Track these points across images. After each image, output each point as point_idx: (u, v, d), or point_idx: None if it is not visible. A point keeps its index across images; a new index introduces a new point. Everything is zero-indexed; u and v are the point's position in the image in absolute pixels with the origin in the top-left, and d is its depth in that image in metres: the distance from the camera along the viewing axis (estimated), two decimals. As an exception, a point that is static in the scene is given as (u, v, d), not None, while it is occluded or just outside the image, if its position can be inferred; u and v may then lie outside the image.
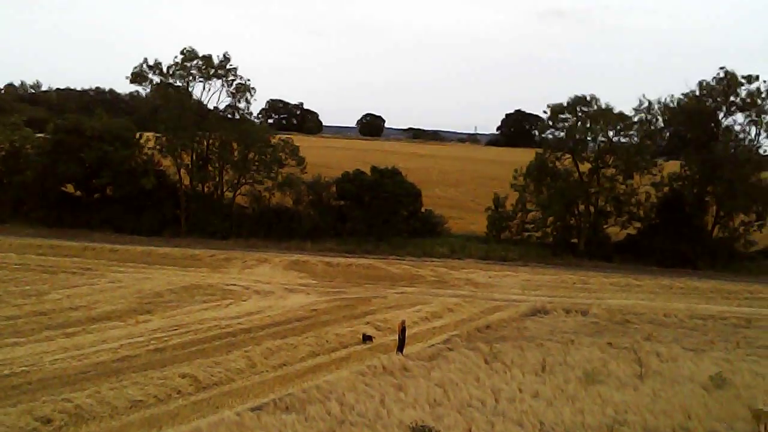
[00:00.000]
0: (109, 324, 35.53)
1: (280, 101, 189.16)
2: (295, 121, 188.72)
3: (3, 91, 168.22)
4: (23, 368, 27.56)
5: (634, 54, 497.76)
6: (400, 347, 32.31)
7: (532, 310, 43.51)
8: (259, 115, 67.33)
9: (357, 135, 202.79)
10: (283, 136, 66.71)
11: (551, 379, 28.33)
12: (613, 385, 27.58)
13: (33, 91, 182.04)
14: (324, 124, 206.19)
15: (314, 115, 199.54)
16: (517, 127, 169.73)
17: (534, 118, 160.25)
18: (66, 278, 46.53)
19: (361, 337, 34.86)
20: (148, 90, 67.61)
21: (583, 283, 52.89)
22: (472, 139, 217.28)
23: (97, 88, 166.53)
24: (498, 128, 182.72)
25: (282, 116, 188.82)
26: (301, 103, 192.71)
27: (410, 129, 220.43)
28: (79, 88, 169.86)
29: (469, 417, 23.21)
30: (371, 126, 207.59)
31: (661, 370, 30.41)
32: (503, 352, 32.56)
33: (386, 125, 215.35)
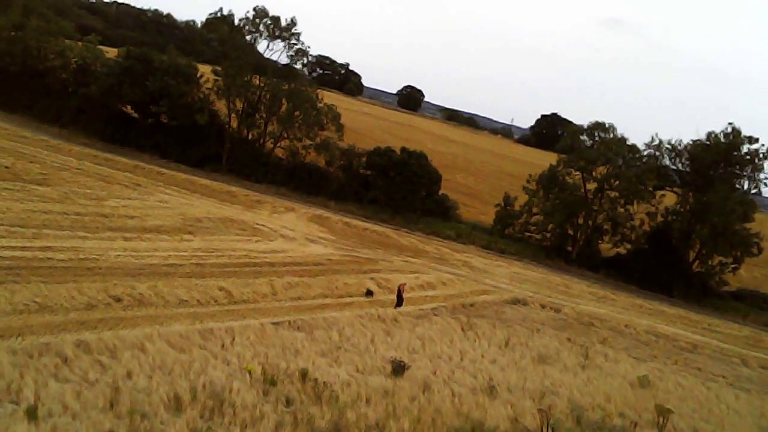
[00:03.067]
0: (158, 236, 41.91)
1: (328, 58, 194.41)
2: (337, 78, 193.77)
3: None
4: (93, 256, 34.08)
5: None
6: (399, 303, 38.89)
7: (513, 299, 49.60)
8: (305, 67, 73.74)
9: (394, 104, 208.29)
10: (328, 102, 72.42)
11: (510, 353, 34.48)
12: (558, 368, 33.64)
13: (93, 0, 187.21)
14: (365, 84, 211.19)
15: (357, 77, 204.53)
16: (550, 130, 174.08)
17: (567, 123, 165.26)
18: (120, 189, 52.98)
19: (364, 291, 41.36)
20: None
21: (566, 286, 58.90)
22: (506, 131, 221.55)
23: (156, 10, 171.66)
24: (531, 127, 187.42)
25: (326, 72, 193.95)
26: (347, 64, 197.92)
27: (447, 109, 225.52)
28: (138, 6, 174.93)
29: (436, 364, 29.35)
30: (410, 98, 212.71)
31: (602, 366, 36.41)
32: (478, 326, 38.72)
33: (424, 99, 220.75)
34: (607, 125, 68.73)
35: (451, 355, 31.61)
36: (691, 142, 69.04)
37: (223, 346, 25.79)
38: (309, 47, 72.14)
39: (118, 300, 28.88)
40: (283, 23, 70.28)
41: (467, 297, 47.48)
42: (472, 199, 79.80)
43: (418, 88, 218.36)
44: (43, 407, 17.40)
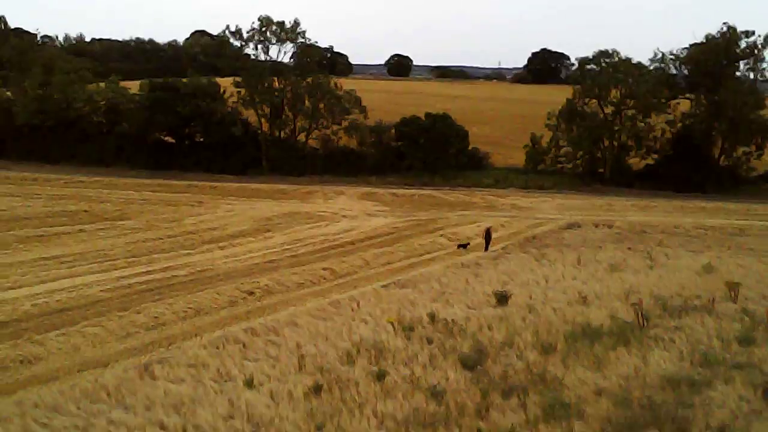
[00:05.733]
0: (245, 240, 46.58)
1: (310, 45, 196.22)
2: (324, 63, 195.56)
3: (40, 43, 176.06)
4: (208, 267, 38.63)
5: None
6: (486, 247, 43.61)
7: (568, 224, 54.09)
8: (292, 59, 78.08)
9: (385, 75, 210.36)
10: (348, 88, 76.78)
11: (585, 269, 38.81)
12: (630, 272, 37.94)
13: (74, 42, 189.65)
14: (352, 63, 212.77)
15: (344, 57, 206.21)
16: (543, 65, 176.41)
17: (559, 56, 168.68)
18: (188, 209, 57.38)
19: (456, 246, 45.50)
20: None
21: (609, 205, 63.30)
22: (498, 75, 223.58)
23: (137, 38, 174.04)
24: (525, 66, 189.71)
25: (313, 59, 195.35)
26: (332, 47, 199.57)
27: (436, 68, 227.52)
28: (119, 39, 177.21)
29: (529, 290, 33.76)
30: (399, 66, 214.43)
31: (667, 263, 40.73)
32: (548, 254, 43.11)
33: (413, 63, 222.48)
34: (610, 51, 73.25)
35: (537, 281, 35.95)
36: (689, 47, 73.29)
37: (353, 309, 30.27)
38: (317, 41, 76.58)
39: (251, 293, 33.46)
40: (288, 26, 74.51)
41: (527, 231, 51.94)
42: (495, 146, 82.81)
43: (405, 54, 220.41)
44: (255, 379, 21.90)
